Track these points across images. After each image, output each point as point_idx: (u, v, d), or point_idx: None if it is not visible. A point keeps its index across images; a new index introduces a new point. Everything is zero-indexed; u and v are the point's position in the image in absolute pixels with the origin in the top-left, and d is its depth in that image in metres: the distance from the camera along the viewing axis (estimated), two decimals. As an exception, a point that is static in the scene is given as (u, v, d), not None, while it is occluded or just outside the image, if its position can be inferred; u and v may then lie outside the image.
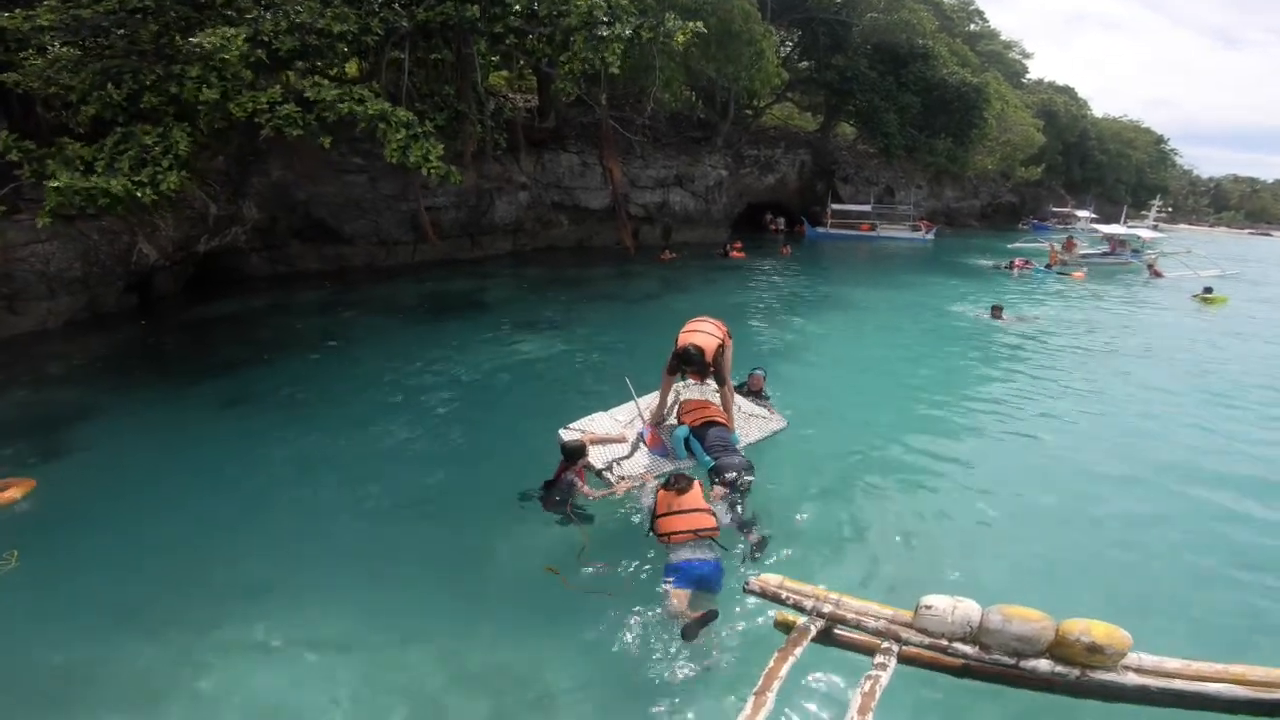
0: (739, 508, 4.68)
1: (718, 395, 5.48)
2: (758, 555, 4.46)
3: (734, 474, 4.73)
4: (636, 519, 4.81)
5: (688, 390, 5.75)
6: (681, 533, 4.04)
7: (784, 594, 2.79)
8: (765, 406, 6.29)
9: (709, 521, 4.14)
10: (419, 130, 11.28)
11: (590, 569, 4.29)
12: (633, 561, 4.40)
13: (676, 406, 5.57)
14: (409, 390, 7.99)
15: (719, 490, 4.70)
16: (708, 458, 4.96)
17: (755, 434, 5.76)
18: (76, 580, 4.38)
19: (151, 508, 5.27)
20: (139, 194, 9.42)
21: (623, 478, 4.92)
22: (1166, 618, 4.27)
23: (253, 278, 14.09)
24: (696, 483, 4.26)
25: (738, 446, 5.16)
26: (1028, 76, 43.04)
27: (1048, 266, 19.87)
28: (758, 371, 6.82)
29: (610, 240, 20.13)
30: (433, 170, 11.37)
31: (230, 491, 5.56)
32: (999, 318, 12.22)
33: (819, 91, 27.91)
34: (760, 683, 2.50)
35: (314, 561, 4.64)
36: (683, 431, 5.19)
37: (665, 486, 4.24)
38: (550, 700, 3.51)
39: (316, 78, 11.08)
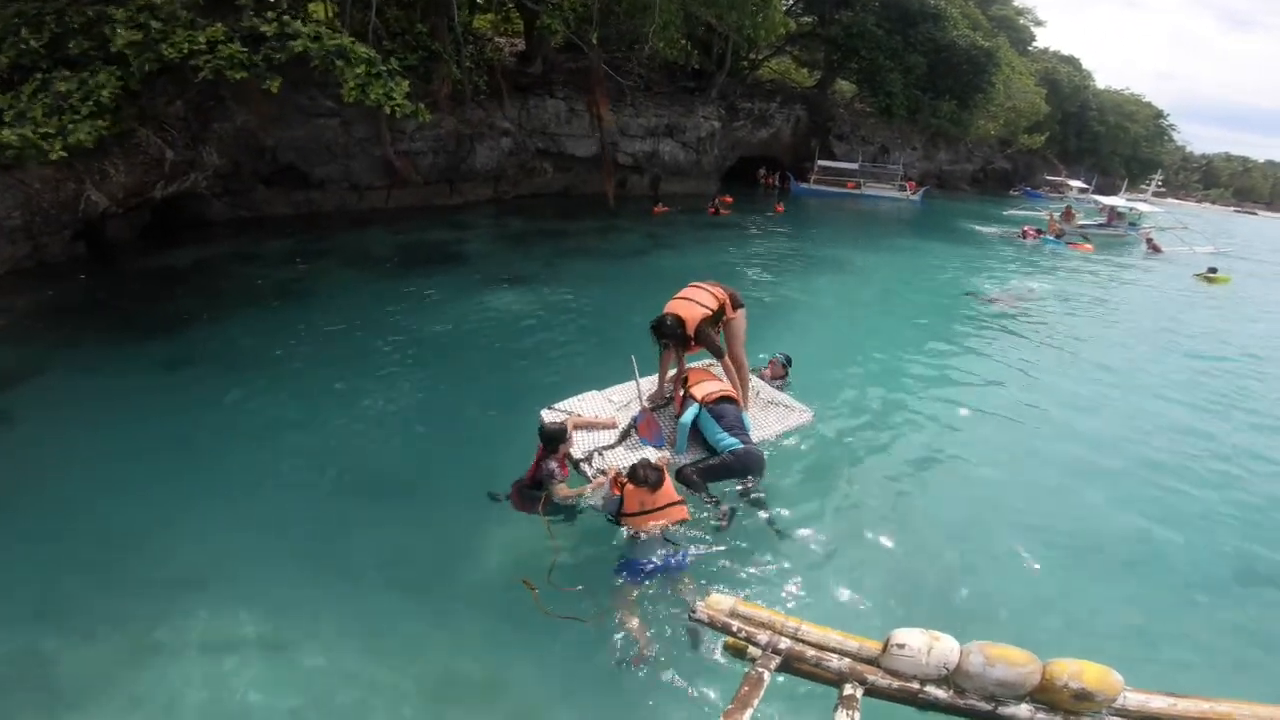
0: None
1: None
2: (725, 526, 4.24)
3: (757, 468, 4.41)
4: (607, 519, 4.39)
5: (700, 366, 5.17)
6: (659, 525, 3.81)
7: (735, 625, 2.48)
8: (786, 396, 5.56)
9: (683, 513, 3.89)
10: (381, 68, 10.41)
11: (561, 589, 3.81)
12: (606, 577, 3.97)
13: (682, 378, 4.94)
14: (375, 353, 7.53)
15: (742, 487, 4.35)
16: (727, 437, 4.35)
17: (775, 426, 4.99)
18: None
19: (85, 487, 4.87)
20: (43, 145, 8.56)
21: (603, 471, 4.26)
22: (1171, 634, 4.14)
23: (216, 224, 13.31)
24: (666, 473, 3.89)
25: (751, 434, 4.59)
26: (1034, 44, 41.83)
27: (1058, 236, 19.58)
28: (776, 357, 6.01)
29: (597, 188, 19.36)
30: (396, 108, 10.57)
31: (173, 467, 5.17)
32: (995, 299, 11.49)
33: (820, 47, 26.72)
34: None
35: (260, 551, 4.29)
36: (692, 412, 4.52)
37: (633, 480, 3.76)
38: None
39: (270, 13, 10.13)
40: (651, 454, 4.47)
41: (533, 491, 4.24)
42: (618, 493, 3.84)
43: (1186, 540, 5.04)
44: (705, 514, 4.37)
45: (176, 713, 3.23)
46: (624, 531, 3.88)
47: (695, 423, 4.57)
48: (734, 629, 2.48)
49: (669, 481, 3.84)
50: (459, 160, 16.56)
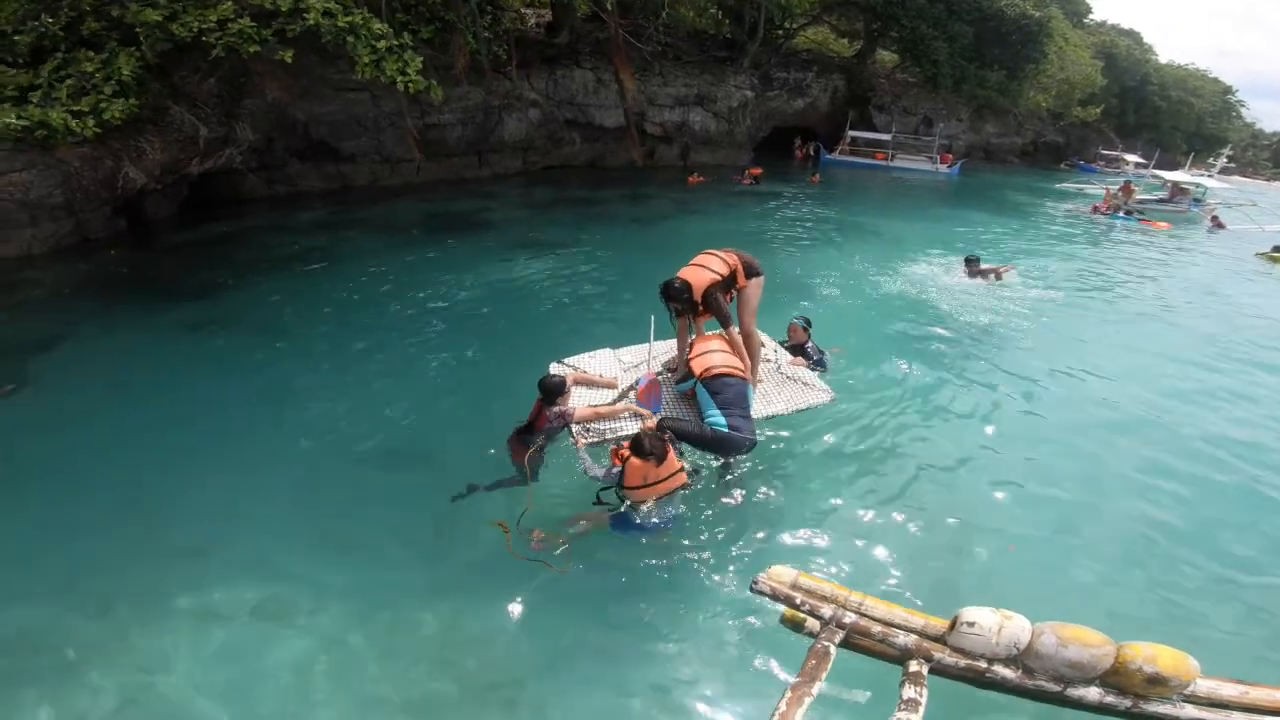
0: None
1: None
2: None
3: (735, 451, 4.23)
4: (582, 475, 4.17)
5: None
6: (660, 496, 3.71)
7: (798, 598, 2.35)
8: (810, 369, 5.21)
9: (683, 479, 3.77)
10: (395, 43, 10.31)
11: (533, 539, 3.79)
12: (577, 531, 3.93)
13: (690, 343, 4.79)
14: (396, 318, 7.53)
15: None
16: (717, 415, 4.15)
17: (782, 404, 4.69)
18: (12, 538, 4.02)
19: (109, 453, 4.89)
20: (76, 126, 8.81)
21: (588, 429, 4.24)
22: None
23: (251, 198, 13.54)
24: (669, 443, 3.70)
25: (751, 412, 4.36)
26: (1091, 17, 39.71)
27: (1127, 214, 18.59)
28: (796, 321, 5.62)
29: (625, 158, 19.20)
30: (411, 85, 10.47)
31: (195, 433, 5.17)
32: (978, 273, 9.54)
33: (859, 16, 25.64)
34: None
35: (273, 516, 4.25)
36: (687, 385, 4.49)
37: (637, 453, 3.58)
38: (513, 688, 3.20)
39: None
40: (638, 422, 4.39)
41: (529, 436, 4.23)
42: (619, 464, 3.70)
43: (1247, 534, 4.63)
44: (713, 485, 4.33)
45: (184, 678, 3.21)
46: (623, 502, 3.79)
47: (693, 394, 4.49)
48: (797, 601, 2.35)
49: (672, 454, 3.68)
50: (487, 132, 16.48)
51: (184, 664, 3.26)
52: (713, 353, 4.48)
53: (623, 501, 3.80)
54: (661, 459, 3.59)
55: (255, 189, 13.74)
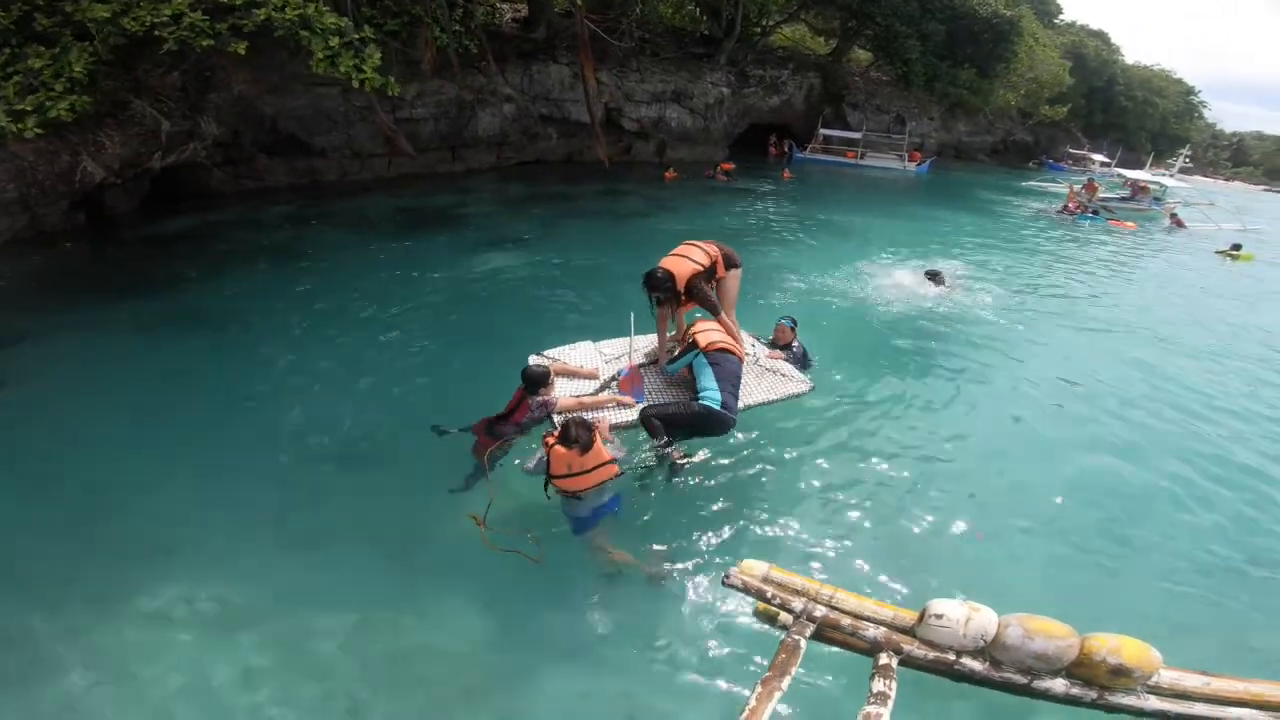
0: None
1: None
2: (681, 467, 4.25)
3: (718, 432, 4.26)
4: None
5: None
6: (588, 488, 3.63)
7: (769, 591, 2.35)
8: (792, 364, 5.29)
9: (613, 471, 3.68)
10: (353, 38, 10.10)
11: (496, 530, 3.73)
12: (542, 519, 3.91)
13: (688, 328, 4.84)
14: (365, 314, 7.37)
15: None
16: (713, 391, 4.16)
17: (762, 394, 4.75)
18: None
19: (63, 451, 4.72)
20: (16, 127, 8.47)
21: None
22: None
23: (218, 194, 13.15)
24: (596, 433, 3.63)
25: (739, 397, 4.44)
26: (1061, 17, 40.89)
27: (1094, 213, 19.06)
28: (784, 321, 5.72)
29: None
30: (366, 81, 10.28)
31: (152, 430, 5.01)
32: (940, 282, 9.65)
33: (835, 14, 25.91)
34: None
35: (232, 517, 4.13)
36: (685, 360, 4.55)
37: (563, 441, 3.51)
38: (484, 688, 3.16)
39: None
40: (630, 412, 4.41)
41: (500, 428, 4.21)
42: (546, 452, 3.64)
43: (1208, 526, 4.78)
44: (647, 454, 4.34)
45: (142, 680, 3.12)
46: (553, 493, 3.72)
47: (691, 369, 4.52)
48: (768, 595, 2.35)
49: (599, 443, 3.61)
50: (461, 127, 16.27)
51: (142, 666, 3.16)
52: (715, 331, 4.60)
53: (555, 493, 3.71)
54: (586, 448, 3.50)
55: (221, 184, 13.35)
